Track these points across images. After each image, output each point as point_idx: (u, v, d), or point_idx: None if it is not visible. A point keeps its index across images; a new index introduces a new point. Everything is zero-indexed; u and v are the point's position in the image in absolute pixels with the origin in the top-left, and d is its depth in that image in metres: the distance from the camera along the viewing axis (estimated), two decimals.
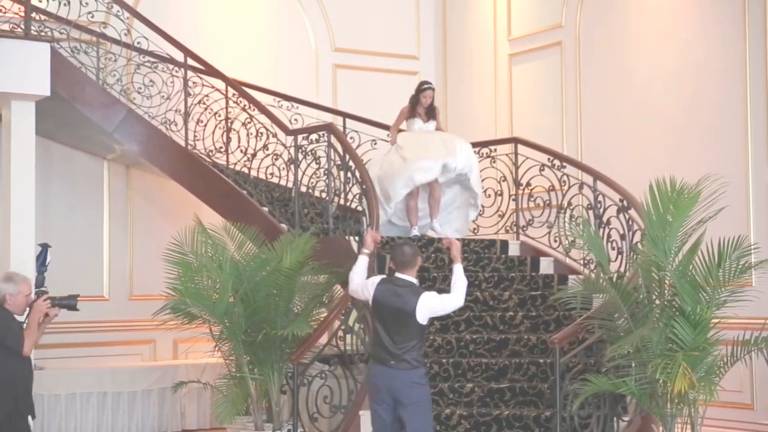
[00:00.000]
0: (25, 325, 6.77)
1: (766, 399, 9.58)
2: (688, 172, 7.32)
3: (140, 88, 10.30)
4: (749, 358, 6.85)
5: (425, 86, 10.22)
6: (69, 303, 6.91)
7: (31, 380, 6.89)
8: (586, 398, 6.86)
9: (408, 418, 6.54)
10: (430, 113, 10.19)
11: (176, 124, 10.34)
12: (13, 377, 6.67)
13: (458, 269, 6.77)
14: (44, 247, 7.12)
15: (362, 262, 7.04)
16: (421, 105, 10.14)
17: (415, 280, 6.75)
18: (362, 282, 6.91)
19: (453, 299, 6.66)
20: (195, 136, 10.34)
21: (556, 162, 9.79)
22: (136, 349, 11.56)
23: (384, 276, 6.93)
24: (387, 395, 6.58)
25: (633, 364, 6.90)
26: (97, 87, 9.98)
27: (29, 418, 6.83)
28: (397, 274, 6.73)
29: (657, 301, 7.02)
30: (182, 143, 10.26)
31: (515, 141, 10.41)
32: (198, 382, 9.49)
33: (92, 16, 9.98)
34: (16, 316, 6.78)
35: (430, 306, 6.57)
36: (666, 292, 6.96)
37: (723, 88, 10.04)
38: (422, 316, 6.54)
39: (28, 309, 6.78)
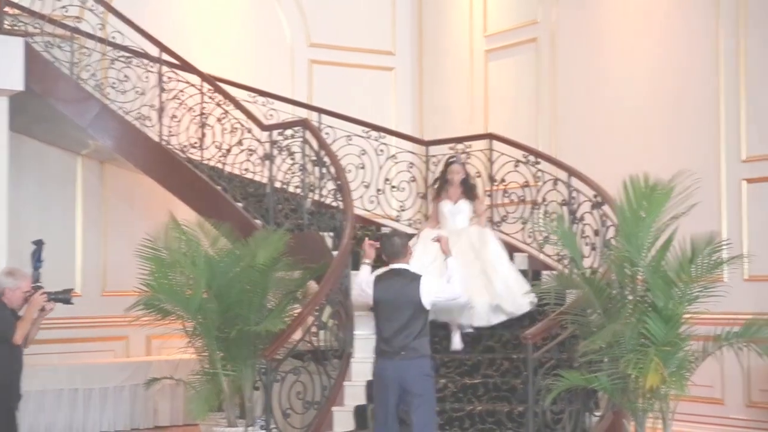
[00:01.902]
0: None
1: (736, 394, 9.63)
2: (661, 168, 7.35)
3: (114, 83, 10.25)
4: (720, 354, 6.88)
5: (451, 160, 9.20)
6: (64, 297, 7.05)
7: (18, 372, 7.02)
8: (558, 393, 6.87)
9: (416, 411, 6.64)
10: (466, 192, 8.99)
11: (150, 120, 10.29)
12: None
13: (451, 262, 7.06)
14: (39, 244, 7.13)
15: (364, 272, 7.15)
16: (451, 183, 8.99)
17: (408, 266, 6.91)
18: (359, 285, 7.10)
19: (453, 289, 6.95)
20: (169, 131, 10.29)
21: (531, 158, 9.79)
22: (108, 345, 11.50)
23: (377, 273, 7.05)
24: (395, 385, 6.67)
25: (605, 360, 6.92)
26: (71, 82, 9.92)
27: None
28: (391, 265, 6.91)
29: (630, 297, 7.03)
30: (156, 139, 10.22)
31: (490, 137, 10.40)
32: (171, 379, 9.46)
33: (66, 11, 9.91)
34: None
35: (431, 290, 6.78)
36: (639, 287, 6.98)
37: (697, 85, 10.08)
38: (426, 300, 6.73)
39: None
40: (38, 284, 7.04)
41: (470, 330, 8.43)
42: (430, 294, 6.74)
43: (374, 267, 7.21)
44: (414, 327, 6.69)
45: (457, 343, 8.40)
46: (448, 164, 9.14)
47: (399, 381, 6.66)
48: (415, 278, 6.79)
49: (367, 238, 7.43)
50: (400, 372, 6.65)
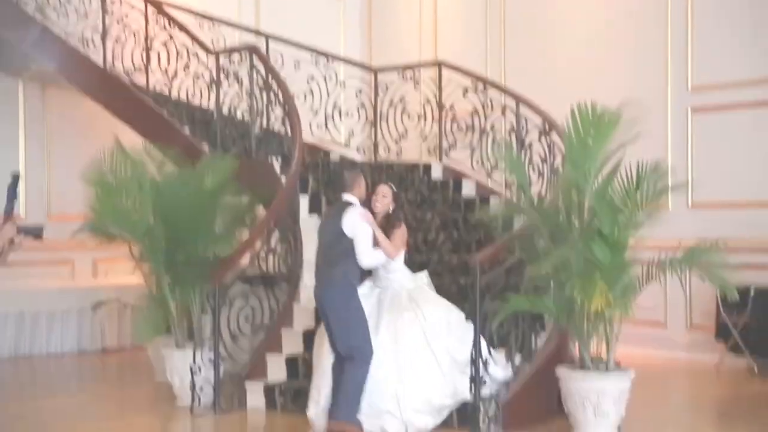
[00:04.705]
0: None
1: (678, 317, 9.88)
2: (609, 96, 7.38)
3: (56, 5, 10.02)
4: (663, 278, 6.98)
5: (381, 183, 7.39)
6: (35, 232, 6.80)
7: None
8: (505, 317, 6.95)
9: (336, 333, 6.86)
10: (386, 225, 7.14)
11: (94, 43, 10.10)
12: None
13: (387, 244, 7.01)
14: (15, 177, 6.92)
15: None
16: (375, 212, 7.12)
17: (352, 199, 6.97)
18: None
19: (367, 252, 6.86)
20: (113, 55, 10.12)
21: (480, 86, 9.79)
22: (54, 269, 11.41)
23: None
24: (322, 309, 6.94)
25: (552, 284, 7.01)
26: (10, 3, 9.70)
27: None
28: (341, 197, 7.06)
29: (576, 223, 7.09)
30: (100, 62, 10.05)
31: (439, 64, 10.38)
32: (118, 302, 9.41)
33: None
34: None
35: (349, 225, 6.82)
36: (585, 214, 7.03)
37: (645, 15, 10.13)
38: (347, 226, 6.83)
39: None
40: (11, 216, 6.88)
41: None
42: (347, 225, 6.83)
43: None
44: (337, 255, 6.85)
45: None
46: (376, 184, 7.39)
47: (321, 304, 6.93)
48: (346, 206, 6.92)
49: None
50: (322, 295, 6.90)
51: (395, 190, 7.30)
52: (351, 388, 6.76)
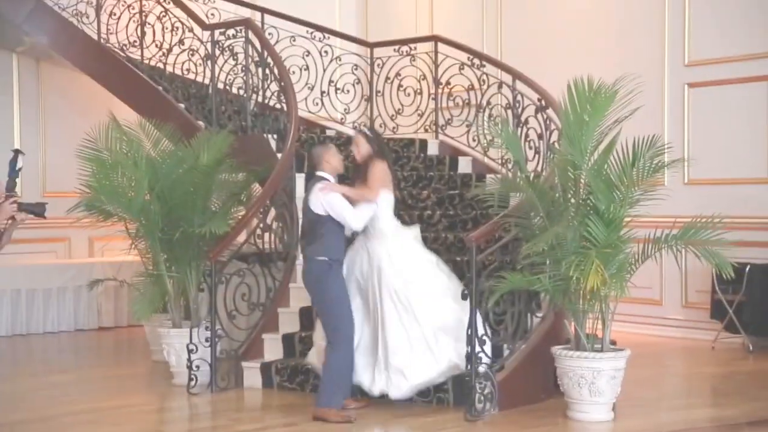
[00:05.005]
0: None
1: (674, 295, 9.89)
2: (605, 71, 7.35)
3: None
4: (659, 256, 6.99)
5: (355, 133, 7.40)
6: (37, 210, 6.74)
7: None
8: (501, 295, 6.95)
9: (318, 312, 7.03)
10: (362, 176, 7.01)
11: (88, 17, 10.04)
12: None
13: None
14: (16, 153, 6.87)
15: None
16: (361, 164, 7.07)
17: (326, 175, 6.97)
18: None
19: (351, 215, 6.79)
20: (108, 29, 10.07)
21: (476, 61, 9.75)
22: (50, 246, 11.41)
23: None
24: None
25: (547, 262, 7.01)
26: None
27: None
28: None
29: (572, 200, 7.09)
30: (95, 36, 9.99)
31: (435, 39, 10.33)
32: (114, 280, 9.42)
33: None
34: None
35: (315, 204, 6.83)
36: (581, 191, 7.03)
37: None
38: (315, 204, 6.83)
39: None
40: (13, 193, 6.85)
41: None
42: (315, 205, 6.83)
43: None
44: (310, 232, 6.91)
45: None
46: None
47: (304, 283, 7.03)
48: (313, 185, 6.95)
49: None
50: (303, 274, 7.00)
51: (369, 133, 7.16)
52: (333, 374, 6.79)
